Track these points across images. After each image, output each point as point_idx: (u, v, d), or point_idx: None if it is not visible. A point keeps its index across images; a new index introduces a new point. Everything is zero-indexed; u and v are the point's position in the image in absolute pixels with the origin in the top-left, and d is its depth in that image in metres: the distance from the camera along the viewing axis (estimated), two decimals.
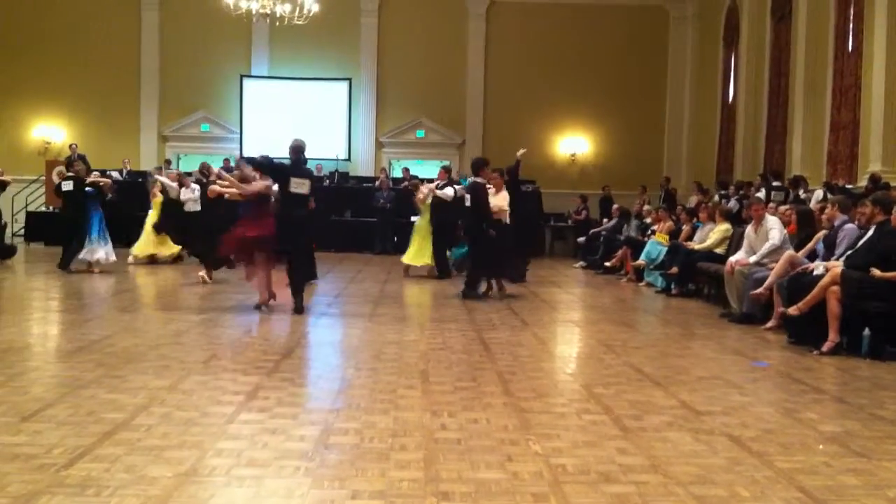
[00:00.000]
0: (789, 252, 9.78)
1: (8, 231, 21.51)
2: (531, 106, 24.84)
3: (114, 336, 8.21)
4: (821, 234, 9.86)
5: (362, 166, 25.01)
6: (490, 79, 25.38)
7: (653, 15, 25.25)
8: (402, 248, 20.63)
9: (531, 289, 13.40)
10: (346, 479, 4.16)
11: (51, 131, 24.74)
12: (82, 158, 22.16)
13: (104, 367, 6.66)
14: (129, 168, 22.93)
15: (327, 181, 22.28)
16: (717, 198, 17.76)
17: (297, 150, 10.68)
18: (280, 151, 23.56)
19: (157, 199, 16.72)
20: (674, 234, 14.86)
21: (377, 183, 22.18)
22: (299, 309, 10.11)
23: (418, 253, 15.14)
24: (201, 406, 5.53)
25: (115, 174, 22.26)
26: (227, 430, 4.99)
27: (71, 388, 5.94)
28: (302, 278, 10.49)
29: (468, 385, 6.36)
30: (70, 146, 23.17)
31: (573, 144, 25.59)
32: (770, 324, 9.54)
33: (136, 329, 8.77)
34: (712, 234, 13.05)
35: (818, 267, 8.77)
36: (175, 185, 16.24)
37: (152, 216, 16.69)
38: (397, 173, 23.63)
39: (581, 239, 20.03)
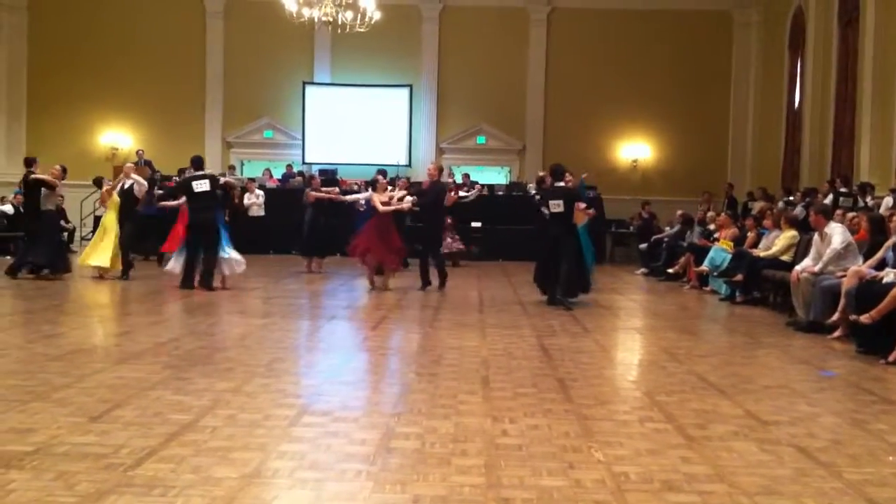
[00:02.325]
0: (854, 268, 9.52)
1: (76, 234, 22.04)
2: (592, 111, 24.68)
3: (180, 339, 8.35)
4: (891, 240, 9.62)
5: (423, 172, 25.07)
6: (550, 84, 25.27)
7: (716, 20, 24.92)
8: (463, 252, 20.73)
9: (592, 295, 13.29)
10: (408, 484, 4.17)
11: (118, 137, 25.24)
12: (149, 164, 22.64)
13: (171, 370, 6.77)
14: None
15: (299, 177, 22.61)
16: (781, 204, 17.46)
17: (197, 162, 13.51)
18: (341, 158, 24.10)
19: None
20: (738, 241, 14.65)
21: None
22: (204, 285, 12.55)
23: None
24: (265, 409, 5.58)
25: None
26: (290, 433, 5.03)
27: (138, 389, 6.05)
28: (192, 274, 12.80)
29: (529, 391, 6.34)
30: (137, 152, 23.62)
31: (635, 150, 25.37)
32: (837, 333, 9.34)
33: (201, 332, 8.90)
34: (778, 241, 12.84)
35: (888, 274, 8.57)
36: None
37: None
38: (458, 179, 23.63)
39: (643, 245, 19.84)
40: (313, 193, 16.59)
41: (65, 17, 24.76)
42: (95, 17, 24.65)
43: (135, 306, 11.48)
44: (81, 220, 22.78)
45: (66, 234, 18.52)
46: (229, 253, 12.90)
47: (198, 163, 13.52)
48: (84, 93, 24.63)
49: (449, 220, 16.12)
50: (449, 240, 17.94)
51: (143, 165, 22.55)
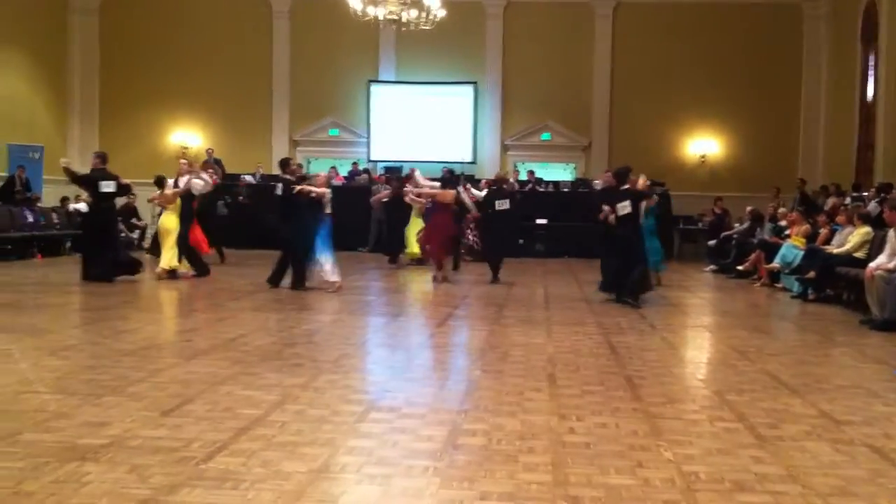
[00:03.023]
0: None
1: (148, 232, 22.46)
2: (659, 106, 24.38)
3: (249, 335, 8.46)
4: None
5: (488, 169, 25.03)
6: (617, 80, 25.02)
7: (786, 13, 24.42)
8: (527, 250, 20.70)
9: (659, 292, 13.15)
10: (475, 481, 4.17)
11: (187, 136, 25.67)
12: (218, 163, 22.98)
13: (240, 365, 6.87)
14: (262, 172, 23.63)
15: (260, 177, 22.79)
16: (848, 200, 17.06)
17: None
18: (405, 155, 24.18)
19: None
20: (810, 238, 14.35)
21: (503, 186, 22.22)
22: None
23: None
24: (332, 404, 5.63)
25: (249, 178, 23.01)
26: (358, 429, 5.07)
27: (208, 384, 6.14)
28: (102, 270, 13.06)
29: (596, 389, 6.29)
30: (206, 151, 24.01)
31: (703, 145, 25.00)
32: None
33: (269, 328, 9.01)
34: (851, 238, 12.55)
35: None
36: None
37: None
38: (523, 176, 23.59)
39: (712, 242, 19.55)
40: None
41: (135, 20, 25.26)
42: (165, 19, 25.11)
43: (204, 303, 11.66)
44: (152, 218, 23.23)
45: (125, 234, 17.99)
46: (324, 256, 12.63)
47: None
48: (154, 93, 25.11)
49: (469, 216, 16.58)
50: (471, 236, 18.40)
51: (212, 164, 22.95)
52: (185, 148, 25.32)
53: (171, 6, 25.17)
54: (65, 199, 21.17)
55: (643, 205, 12.38)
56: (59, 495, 3.85)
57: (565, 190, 22.70)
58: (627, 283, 11.67)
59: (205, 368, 6.73)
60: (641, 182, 12.74)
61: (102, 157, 14.18)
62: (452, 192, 14.88)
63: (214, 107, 25.24)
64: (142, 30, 25.22)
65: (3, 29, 21.86)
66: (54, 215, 19.58)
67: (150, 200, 15.52)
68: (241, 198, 22.64)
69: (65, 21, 25.24)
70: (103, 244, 13.57)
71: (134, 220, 21.73)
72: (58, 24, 24.91)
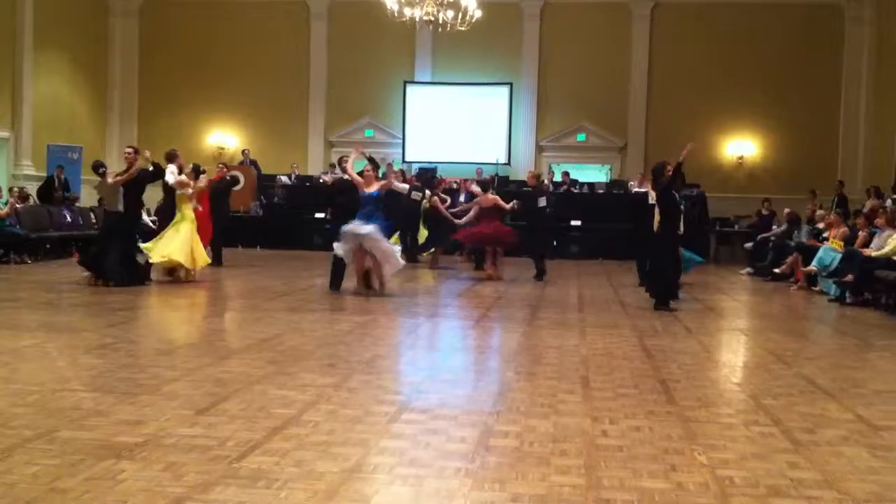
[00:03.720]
0: None
1: None
2: (696, 107, 24.18)
3: (282, 335, 8.50)
4: None
5: (522, 170, 24.98)
6: (654, 81, 24.87)
7: (826, 13, 24.13)
8: (562, 251, 20.63)
9: (694, 295, 13.06)
10: (507, 482, 4.16)
11: (225, 137, 25.88)
12: (254, 164, 23.19)
13: (274, 365, 6.91)
14: (297, 172, 23.77)
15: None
16: (889, 203, 16.83)
17: None
18: (440, 156, 24.19)
19: None
20: (849, 241, 14.17)
21: None
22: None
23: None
24: (365, 405, 5.64)
25: (285, 179, 23.16)
26: (391, 430, 5.08)
27: (243, 383, 6.18)
28: None
29: (630, 392, 6.25)
30: (243, 151, 24.23)
31: (740, 147, 24.78)
32: None
33: (303, 329, 9.05)
34: (891, 241, 12.38)
35: None
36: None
37: None
38: (557, 177, 23.51)
39: (748, 245, 19.37)
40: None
41: (173, 23, 25.55)
42: (203, 22, 25.34)
43: (239, 303, 11.74)
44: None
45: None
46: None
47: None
48: (192, 94, 25.36)
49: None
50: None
51: (248, 165, 23.15)
52: (222, 149, 25.53)
53: (208, 9, 25.39)
54: (102, 200, 21.39)
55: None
56: (94, 492, 3.89)
57: (600, 191, 22.59)
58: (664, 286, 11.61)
59: (239, 368, 6.77)
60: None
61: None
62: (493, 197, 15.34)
63: (251, 108, 25.43)
64: (180, 32, 25.50)
65: (46, 32, 22.17)
66: (92, 215, 19.80)
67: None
68: (275, 199, 22.82)
69: (105, 24, 25.62)
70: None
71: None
72: (98, 28, 25.28)
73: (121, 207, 12.73)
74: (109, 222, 13.00)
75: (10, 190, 18.65)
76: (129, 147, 13.56)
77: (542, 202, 15.39)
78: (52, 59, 22.80)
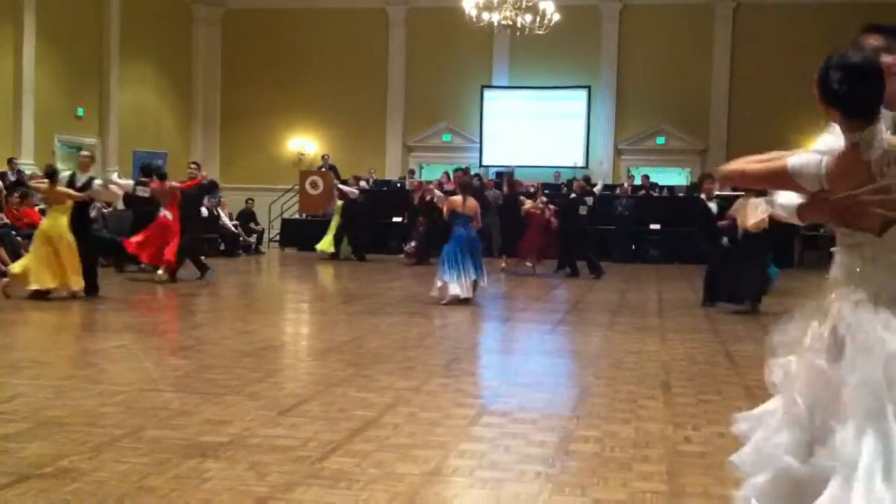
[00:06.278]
0: None
1: (265, 236, 23.03)
2: (780, 110, 23.58)
3: (362, 337, 8.57)
4: None
5: (600, 174, 24.80)
6: (736, 83, 24.41)
7: None
8: (641, 255, 20.42)
9: (783, 299, 12.77)
10: (587, 488, 4.13)
11: (304, 143, 26.24)
12: (333, 169, 23.41)
13: (354, 367, 6.97)
14: (374, 177, 23.95)
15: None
16: None
17: None
18: (517, 160, 24.13)
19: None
20: None
21: (617, 191, 22.02)
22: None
23: None
24: (444, 407, 5.66)
25: (363, 183, 23.35)
26: (470, 433, 5.08)
27: (324, 385, 6.25)
28: None
29: (713, 398, 6.15)
30: (322, 157, 24.50)
31: None
32: None
33: (382, 331, 9.11)
34: None
35: None
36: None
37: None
38: (637, 181, 23.26)
39: (835, 248, 18.86)
40: None
41: (255, 31, 25.98)
42: (284, 30, 25.72)
43: (319, 305, 11.89)
44: (269, 222, 23.81)
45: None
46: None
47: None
48: (273, 101, 25.74)
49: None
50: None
51: (327, 170, 23.40)
52: (302, 154, 25.89)
53: (289, 17, 25.76)
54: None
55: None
56: (181, 490, 3.98)
57: (680, 195, 22.28)
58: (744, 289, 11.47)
59: (320, 370, 6.86)
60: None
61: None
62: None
63: (330, 113, 25.70)
64: (261, 40, 25.92)
65: (134, 43, 22.80)
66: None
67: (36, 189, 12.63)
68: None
69: (189, 33, 26.20)
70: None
71: (252, 224, 22.24)
72: (183, 36, 25.88)
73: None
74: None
75: None
76: (193, 162, 14.58)
77: (584, 210, 16.26)
78: (137, 68, 23.41)
